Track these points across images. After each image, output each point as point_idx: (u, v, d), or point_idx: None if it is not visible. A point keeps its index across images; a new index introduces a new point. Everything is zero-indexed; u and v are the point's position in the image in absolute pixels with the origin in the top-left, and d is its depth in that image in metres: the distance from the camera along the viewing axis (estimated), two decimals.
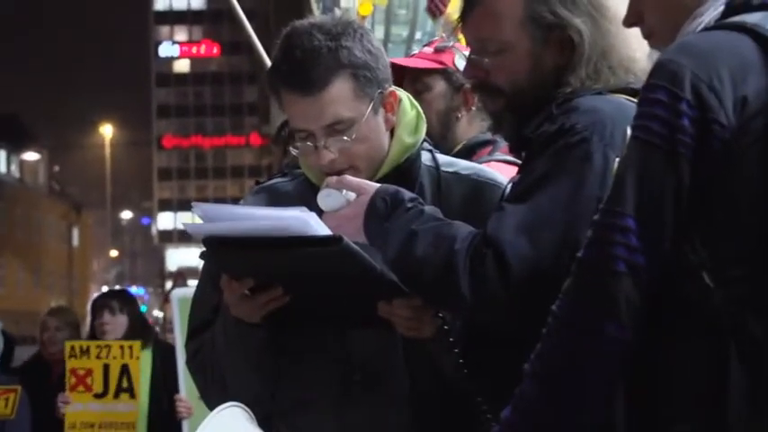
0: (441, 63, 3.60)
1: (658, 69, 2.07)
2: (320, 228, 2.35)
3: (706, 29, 2.15)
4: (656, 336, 2.06)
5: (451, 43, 3.63)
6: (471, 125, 3.59)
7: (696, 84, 2.03)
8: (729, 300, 2.01)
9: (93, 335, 6.40)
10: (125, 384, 5.98)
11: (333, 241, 2.31)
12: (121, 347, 6.03)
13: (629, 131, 2.10)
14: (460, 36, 2.82)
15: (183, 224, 2.48)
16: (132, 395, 5.96)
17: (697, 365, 2.03)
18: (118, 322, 6.33)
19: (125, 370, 5.98)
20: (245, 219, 2.36)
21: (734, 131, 2.02)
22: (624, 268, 2.02)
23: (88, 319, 6.72)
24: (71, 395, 6.02)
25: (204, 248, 2.42)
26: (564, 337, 2.07)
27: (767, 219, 2.02)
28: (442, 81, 3.58)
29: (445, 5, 10.17)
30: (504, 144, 3.46)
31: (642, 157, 2.05)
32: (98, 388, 6.02)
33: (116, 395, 6.00)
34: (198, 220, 2.43)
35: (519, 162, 3.21)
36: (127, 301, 6.51)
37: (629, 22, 2.30)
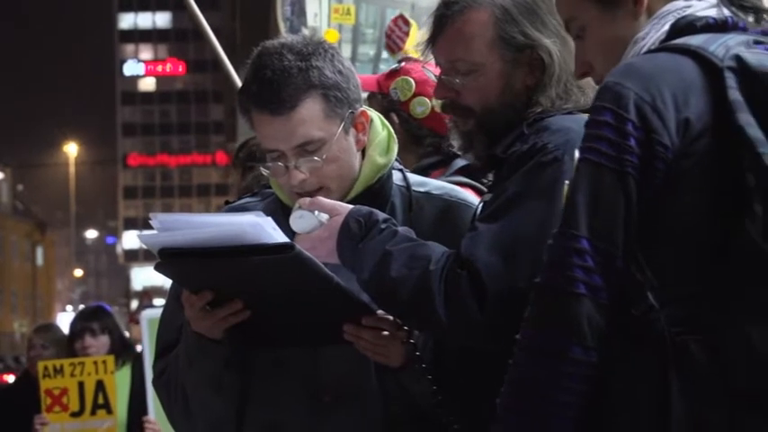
0: (378, 87, 3.60)
1: (604, 92, 2.09)
2: (277, 233, 2.33)
3: (651, 51, 2.16)
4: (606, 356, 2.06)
5: (402, 64, 3.64)
6: (406, 152, 3.59)
7: (640, 105, 2.04)
8: (672, 320, 2.01)
9: (75, 356, 6.36)
10: (101, 400, 5.95)
11: (284, 248, 2.30)
12: (95, 363, 6.00)
13: (577, 153, 2.11)
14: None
15: (138, 235, 2.46)
16: (109, 411, 5.94)
17: (640, 386, 2.03)
18: (100, 343, 6.33)
19: (100, 386, 5.95)
20: (200, 226, 2.35)
21: (676, 153, 2.04)
22: (584, 290, 2.03)
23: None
24: (48, 416, 5.99)
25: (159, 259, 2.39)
26: (531, 363, 2.07)
27: (707, 240, 2.02)
28: (374, 104, 3.57)
29: (403, 42, 10.28)
30: (457, 166, 3.47)
31: (592, 178, 2.06)
32: (74, 406, 5.99)
33: (93, 412, 5.97)
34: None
35: (472, 183, 3.23)
36: (106, 321, 6.48)
37: (580, 73, 2.31)
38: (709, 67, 2.07)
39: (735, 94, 2.02)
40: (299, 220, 2.44)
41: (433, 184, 2.71)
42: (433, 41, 2.56)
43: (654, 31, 2.19)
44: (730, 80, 2.04)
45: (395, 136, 2.67)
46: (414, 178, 2.69)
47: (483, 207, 2.46)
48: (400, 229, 2.41)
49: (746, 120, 2.00)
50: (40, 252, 70.06)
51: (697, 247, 2.03)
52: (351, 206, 2.45)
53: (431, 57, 2.60)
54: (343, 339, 2.45)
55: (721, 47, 2.09)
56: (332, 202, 2.47)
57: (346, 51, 14.29)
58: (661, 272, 2.04)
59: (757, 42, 2.12)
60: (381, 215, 2.43)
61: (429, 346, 2.48)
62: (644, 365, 2.03)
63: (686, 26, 2.16)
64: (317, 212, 2.44)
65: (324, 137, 2.50)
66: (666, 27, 2.18)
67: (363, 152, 2.61)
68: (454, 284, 2.30)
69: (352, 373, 2.54)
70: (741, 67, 2.04)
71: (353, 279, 2.40)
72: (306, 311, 2.45)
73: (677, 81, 2.06)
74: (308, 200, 2.46)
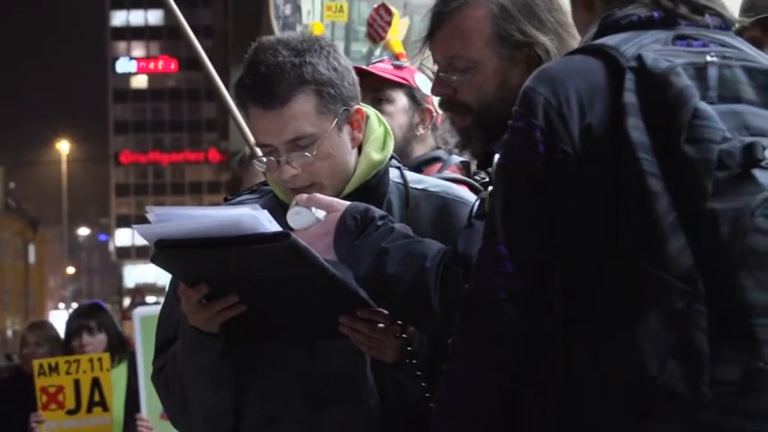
0: (404, 79, 3.63)
1: (521, 96, 2.09)
2: (272, 224, 2.34)
3: (574, 50, 2.15)
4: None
5: (407, 63, 3.67)
6: (424, 144, 3.62)
7: (548, 111, 2.04)
8: (569, 326, 2.01)
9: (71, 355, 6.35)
10: (97, 398, 5.96)
11: (279, 237, 2.31)
12: (91, 360, 6.00)
13: (496, 159, 2.11)
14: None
15: (134, 227, 2.47)
16: (105, 408, 5.94)
17: (544, 390, 2.03)
18: (97, 341, 6.32)
19: (96, 383, 5.95)
20: (196, 218, 2.36)
21: (579, 159, 2.02)
22: (505, 295, 2.04)
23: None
24: (44, 414, 5.99)
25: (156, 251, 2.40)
26: (457, 368, 2.08)
27: (601, 249, 2.00)
28: (404, 96, 3.61)
29: (385, 31, 10.27)
30: (453, 162, 3.48)
31: (506, 184, 2.07)
32: (70, 404, 5.99)
33: (89, 410, 5.97)
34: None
35: (468, 181, 3.25)
36: (103, 318, 6.48)
37: None
38: (615, 68, 2.03)
39: (629, 96, 1.99)
40: (295, 217, 2.44)
41: (431, 181, 2.71)
42: (430, 38, 2.56)
43: (593, 27, 2.18)
44: (629, 82, 2.00)
45: (391, 133, 2.68)
46: (411, 176, 2.69)
47: (480, 203, 2.46)
48: (397, 225, 2.41)
49: (633, 123, 1.97)
50: (32, 250, 70.09)
51: (591, 255, 2.00)
52: (348, 203, 2.45)
53: (428, 53, 2.60)
54: (339, 334, 2.45)
55: (634, 46, 2.05)
56: (329, 198, 2.47)
57: (339, 48, 14.27)
58: (563, 277, 2.03)
59: (680, 38, 2.08)
60: (378, 212, 2.43)
61: (425, 344, 2.48)
62: (546, 369, 2.03)
63: (612, 24, 2.13)
64: (313, 209, 2.44)
65: (315, 132, 2.51)
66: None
67: (360, 149, 2.61)
68: (450, 281, 2.30)
69: (349, 368, 2.55)
70: (640, 67, 2.01)
71: (350, 275, 2.40)
72: (302, 305, 2.45)
73: (584, 84, 2.04)
74: (304, 196, 2.47)
